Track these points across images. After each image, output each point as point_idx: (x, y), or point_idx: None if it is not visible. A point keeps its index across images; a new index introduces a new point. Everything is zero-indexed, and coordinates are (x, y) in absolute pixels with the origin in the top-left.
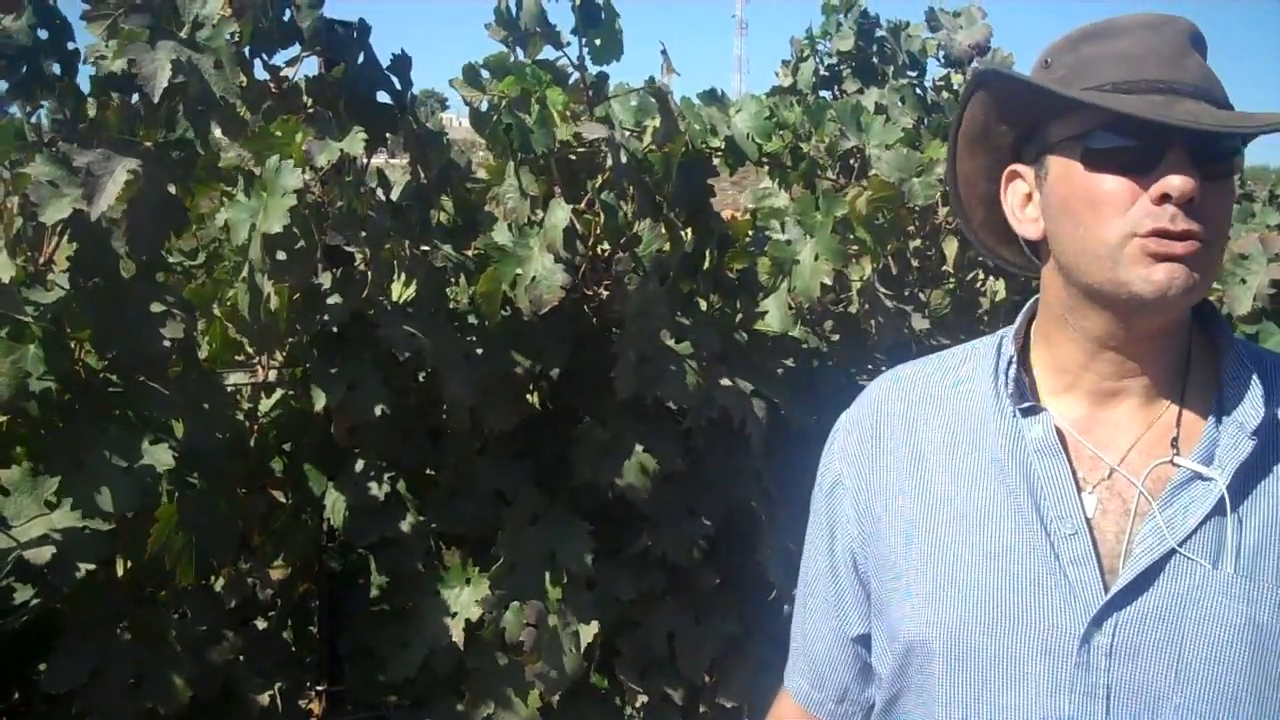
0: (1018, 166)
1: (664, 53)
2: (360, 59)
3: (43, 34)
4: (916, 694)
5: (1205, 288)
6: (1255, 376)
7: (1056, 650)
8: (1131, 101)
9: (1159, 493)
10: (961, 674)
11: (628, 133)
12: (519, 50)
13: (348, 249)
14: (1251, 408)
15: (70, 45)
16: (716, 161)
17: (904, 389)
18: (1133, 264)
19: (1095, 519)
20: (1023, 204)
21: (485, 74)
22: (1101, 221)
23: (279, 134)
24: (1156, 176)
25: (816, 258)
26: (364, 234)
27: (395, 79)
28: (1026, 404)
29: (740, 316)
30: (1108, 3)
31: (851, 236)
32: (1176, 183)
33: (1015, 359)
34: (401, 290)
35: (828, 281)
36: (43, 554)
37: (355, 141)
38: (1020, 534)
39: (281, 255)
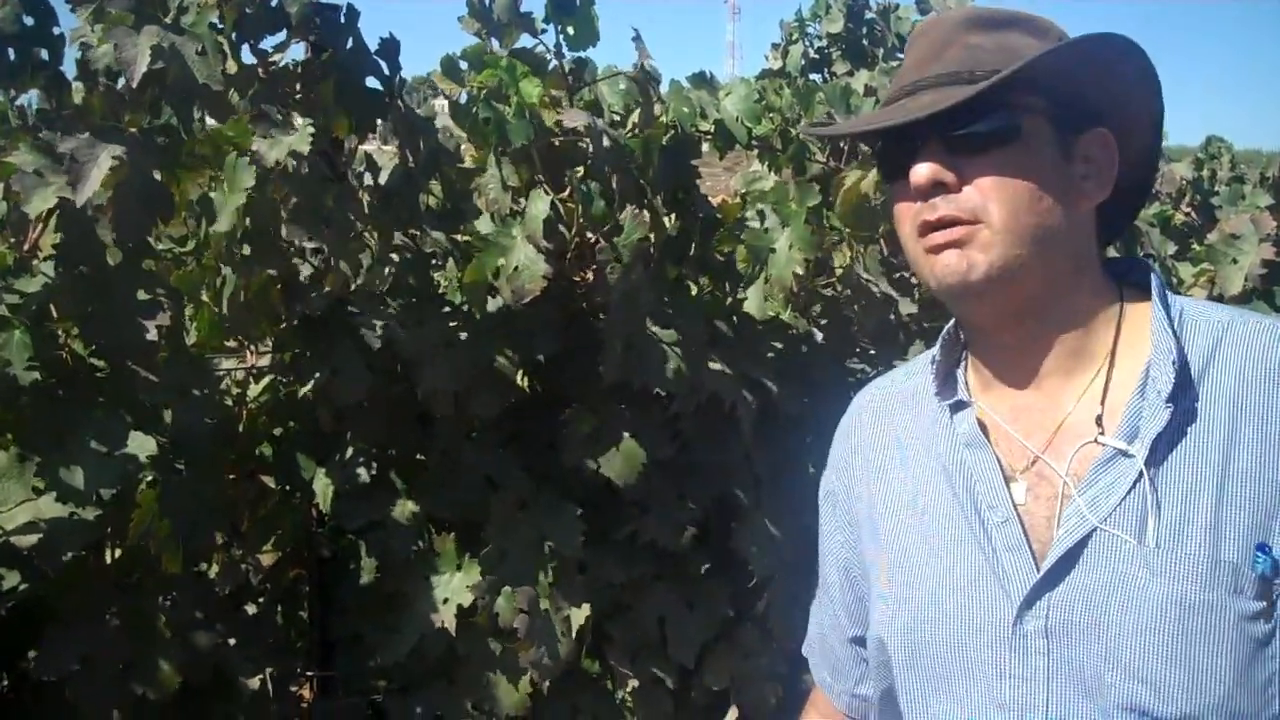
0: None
1: (637, 38)
2: (349, 44)
3: (28, 20)
4: (898, 687)
5: (996, 267)
6: (1174, 342)
7: (997, 637)
8: (861, 118)
9: (1084, 473)
10: (917, 668)
11: (616, 117)
12: (494, 41)
13: (307, 244)
14: (1166, 374)
15: (55, 30)
16: (706, 146)
17: (876, 398)
18: (922, 262)
19: (1026, 505)
20: None
21: (464, 65)
22: (901, 227)
23: (231, 133)
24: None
25: (791, 246)
26: (326, 228)
27: (384, 64)
28: (952, 399)
29: (730, 300)
30: None
31: (828, 226)
32: (914, 174)
33: (939, 357)
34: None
35: (799, 271)
36: (28, 539)
37: (303, 139)
38: (961, 527)
39: (246, 250)
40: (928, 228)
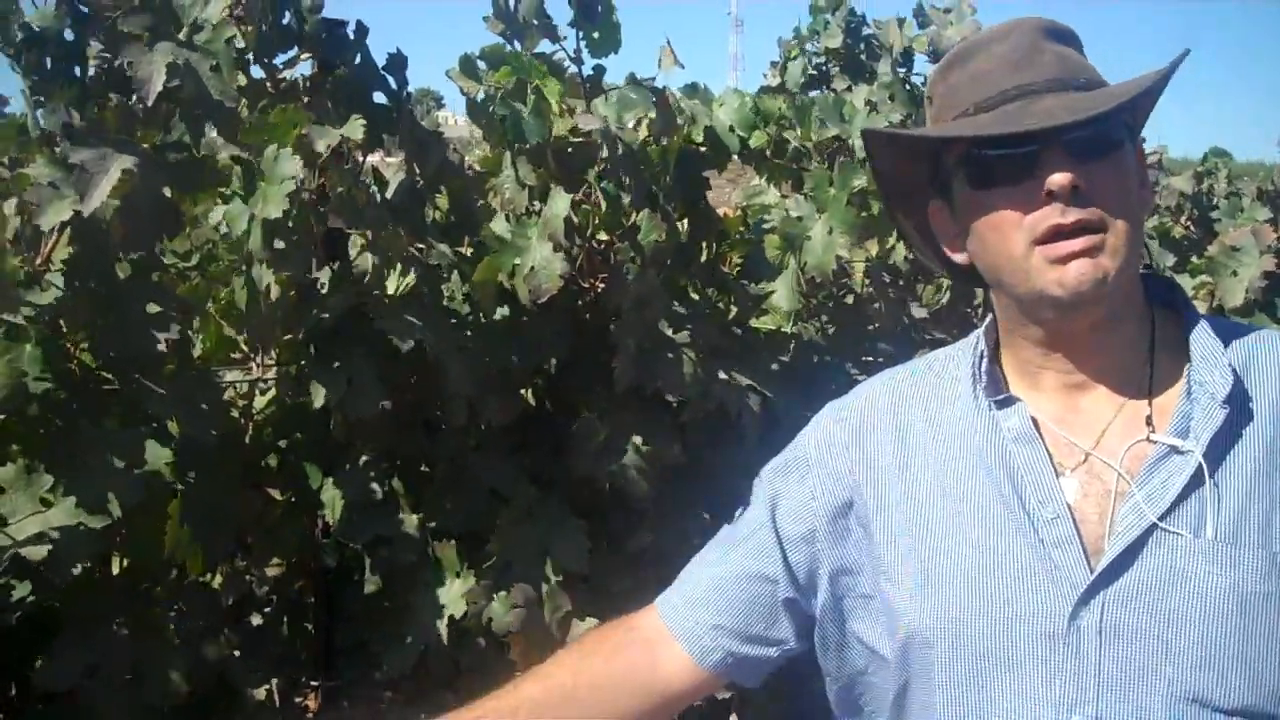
0: (936, 203)
1: (667, 43)
2: (357, 60)
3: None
4: (922, 681)
5: (1124, 271)
6: (1222, 347)
7: (1046, 633)
8: (983, 120)
9: (1137, 471)
10: (959, 662)
11: (629, 124)
12: (516, 44)
13: (349, 231)
14: (1221, 377)
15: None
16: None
17: (893, 390)
18: (1042, 271)
19: (1076, 502)
20: (948, 235)
21: (481, 65)
22: (1005, 237)
23: (277, 123)
24: (1039, 178)
25: (830, 231)
26: (364, 217)
27: (391, 78)
28: (1000, 396)
29: (735, 311)
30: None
31: (864, 214)
32: (1054, 179)
33: (987, 354)
34: (398, 283)
35: (844, 254)
36: (38, 551)
37: (354, 127)
38: (1006, 522)
39: (280, 244)
40: (1055, 234)
